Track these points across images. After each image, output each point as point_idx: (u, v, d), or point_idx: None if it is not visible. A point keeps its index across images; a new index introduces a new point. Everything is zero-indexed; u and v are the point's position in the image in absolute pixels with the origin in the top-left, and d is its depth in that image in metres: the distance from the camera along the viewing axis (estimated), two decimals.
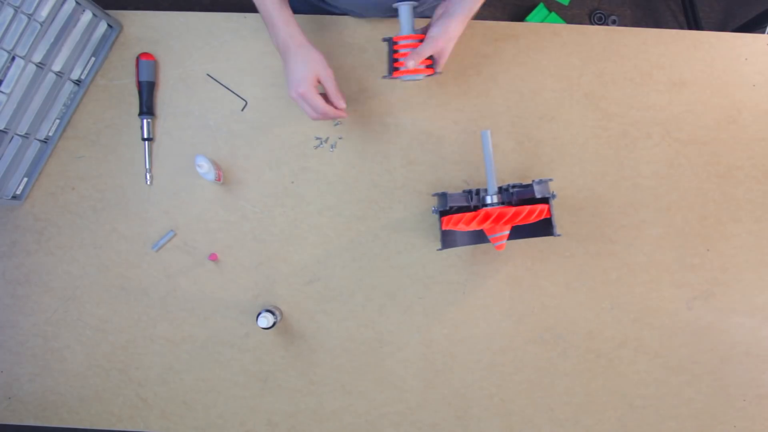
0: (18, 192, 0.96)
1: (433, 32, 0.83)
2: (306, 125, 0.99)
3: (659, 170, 1.00)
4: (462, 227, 0.84)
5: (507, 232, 0.88)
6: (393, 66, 0.88)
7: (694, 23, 1.93)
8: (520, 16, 1.98)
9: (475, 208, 0.89)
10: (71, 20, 0.89)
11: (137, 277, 0.98)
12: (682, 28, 2.01)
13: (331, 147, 0.99)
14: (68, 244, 0.98)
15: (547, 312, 0.99)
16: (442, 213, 0.89)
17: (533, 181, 0.85)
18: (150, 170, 0.99)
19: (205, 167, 0.88)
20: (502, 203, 0.88)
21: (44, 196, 0.99)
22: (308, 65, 0.82)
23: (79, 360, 0.98)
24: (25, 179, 0.96)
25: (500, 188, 0.90)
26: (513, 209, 0.83)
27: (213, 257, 0.98)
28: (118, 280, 0.98)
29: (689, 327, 0.99)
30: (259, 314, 0.89)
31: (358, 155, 0.99)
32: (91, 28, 0.94)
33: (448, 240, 0.93)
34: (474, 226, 0.84)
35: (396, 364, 0.98)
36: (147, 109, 0.98)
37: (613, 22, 2.00)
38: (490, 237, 0.89)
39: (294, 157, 0.99)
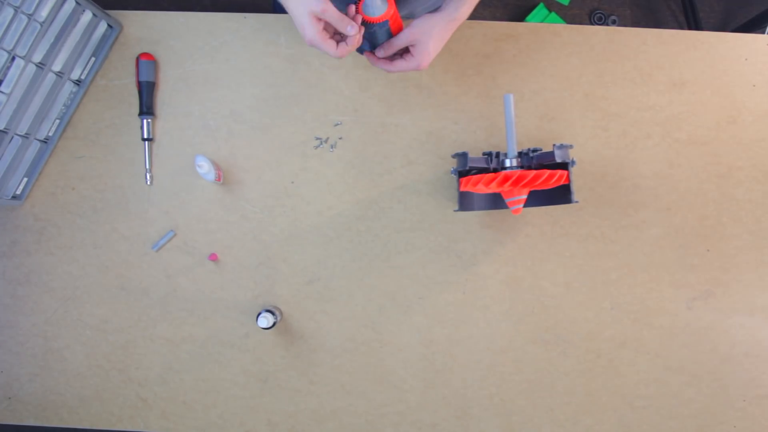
0: (18, 192, 0.96)
1: (412, 23, 0.79)
2: (306, 125, 1.00)
3: (659, 170, 1.00)
4: (481, 188, 0.83)
5: (524, 197, 0.87)
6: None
7: (694, 23, 1.93)
8: (520, 16, 1.98)
9: (494, 171, 0.88)
10: (71, 20, 0.89)
11: (137, 277, 0.98)
12: (682, 28, 2.01)
13: (331, 147, 0.99)
14: (68, 244, 0.98)
15: (547, 312, 0.99)
16: (461, 174, 0.89)
17: (554, 145, 0.85)
18: (150, 170, 0.99)
19: (205, 167, 0.88)
20: (521, 167, 0.87)
21: (44, 196, 0.99)
22: (299, 7, 0.72)
23: (79, 360, 0.98)
24: (25, 179, 0.97)
25: (520, 152, 0.88)
26: (533, 172, 0.82)
27: (213, 257, 0.98)
28: (118, 280, 0.98)
29: (689, 327, 0.99)
30: (259, 314, 0.89)
31: (358, 155, 0.99)
32: (91, 28, 0.94)
33: (465, 203, 0.92)
34: (493, 188, 0.83)
35: (396, 364, 0.98)
36: (147, 109, 0.98)
37: (613, 22, 2.00)
38: (507, 200, 0.89)
39: (294, 157, 0.99)
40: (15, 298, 0.98)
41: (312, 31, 0.71)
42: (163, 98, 1.00)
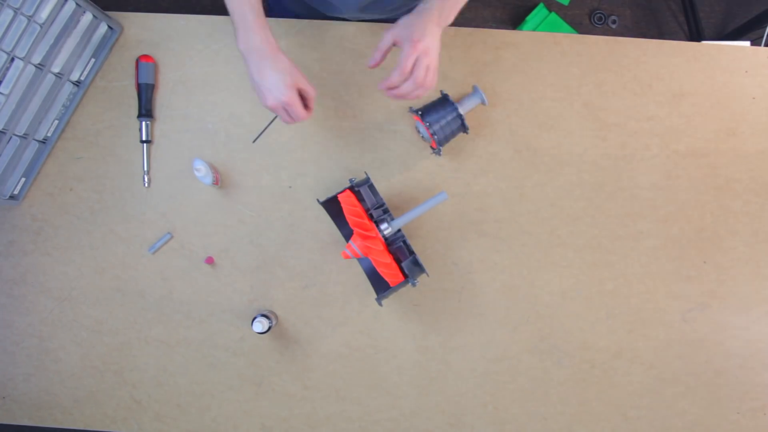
0: (16, 192, 0.96)
1: (399, 20, 0.78)
2: (305, 130, 0.99)
3: (657, 181, 1.00)
4: (353, 223, 0.86)
5: (360, 256, 0.89)
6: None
7: (694, 23, 1.92)
8: (520, 16, 1.97)
9: (370, 218, 0.89)
10: (71, 22, 0.89)
11: (133, 279, 0.98)
12: (681, 28, 2.00)
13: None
14: (65, 245, 0.98)
15: (543, 321, 0.99)
16: (351, 188, 0.90)
17: (414, 255, 0.88)
18: (148, 172, 0.99)
19: (202, 170, 0.88)
20: (386, 240, 0.89)
21: (42, 196, 0.99)
22: (289, 73, 0.78)
23: (74, 361, 0.98)
24: (23, 179, 0.96)
25: (399, 230, 0.91)
26: (387, 256, 0.85)
27: (209, 260, 0.98)
28: (114, 282, 0.98)
29: (684, 339, 0.99)
30: (254, 319, 0.89)
31: (356, 161, 0.99)
32: (91, 29, 0.94)
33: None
34: (356, 227, 0.86)
35: (390, 371, 0.98)
36: (146, 111, 0.97)
37: (613, 23, 1.99)
38: (348, 242, 0.91)
39: (292, 161, 0.99)
40: (11, 298, 0.98)
41: (291, 95, 0.78)
42: (162, 101, 1.00)
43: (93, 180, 0.99)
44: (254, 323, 0.89)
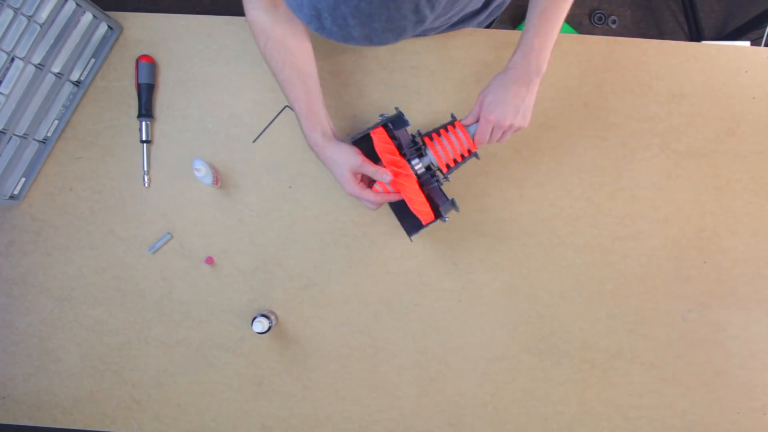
0: (16, 192, 0.96)
1: (493, 81, 0.83)
2: None
3: (657, 182, 1.00)
4: (380, 147, 0.83)
5: (396, 197, 0.85)
6: (432, 134, 0.86)
7: (694, 23, 1.92)
8: (520, 16, 1.97)
9: (402, 155, 0.85)
10: (71, 22, 0.89)
11: (133, 279, 0.98)
12: (681, 28, 2.00)
13: None
14: (65, 245, 0.98)
15: (543, 321, 0.99)
16: (385, 127, 0.85)
17: (452, 200, 0.85)
18: (148, 172, 0.99)
19: (202, 171, 0.88)
20: (419, 178, 0.85)
21: (42, 196, 0.99)
22: (339, 166, 0.81)
23: (74, 361, 0.98)
24: (23, 179, 0.97)
25: (428, 168, 0.86)
26: (420, 194, 0.83)
27: (209, 261, 0.98)
28: (114, 282, 0.98)
29: (684, 339, 0.99)
30: (254, 319, 0.89)
31: None
32: (91, 29, 0.94)
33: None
34: (386, 159, 0.83)
35: (390, 371, 0.98)
36: (146, 111, 0.98)
37: (614, 23, 1.99)
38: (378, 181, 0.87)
39: (292, 161, 0.99)
40: (11, 298, 0.98)
41: (351, 187, 0.81)
42: (162, 101, 1.00)
43: (93, 180, 0.99)
44: (254, 323, 0.89)
